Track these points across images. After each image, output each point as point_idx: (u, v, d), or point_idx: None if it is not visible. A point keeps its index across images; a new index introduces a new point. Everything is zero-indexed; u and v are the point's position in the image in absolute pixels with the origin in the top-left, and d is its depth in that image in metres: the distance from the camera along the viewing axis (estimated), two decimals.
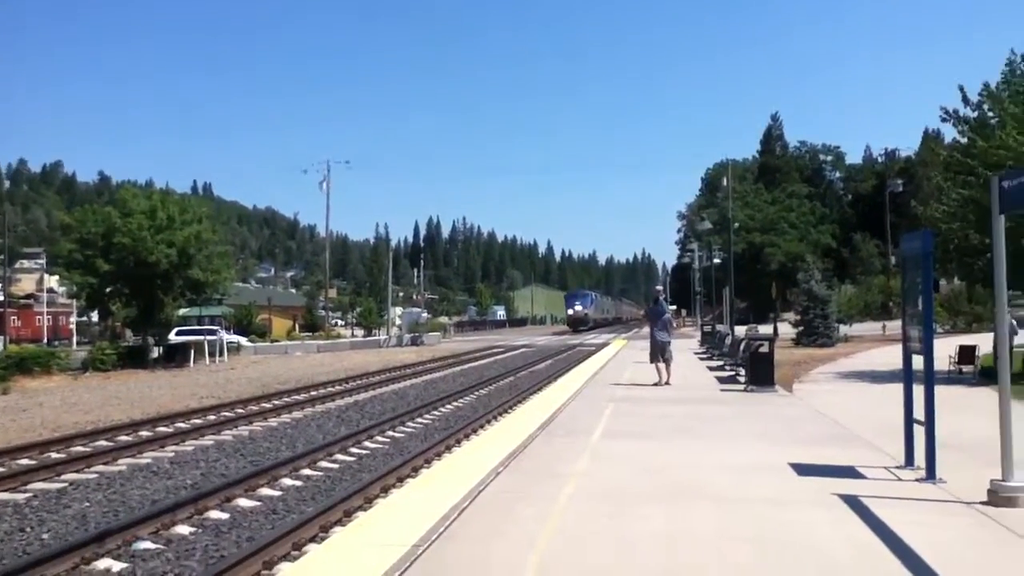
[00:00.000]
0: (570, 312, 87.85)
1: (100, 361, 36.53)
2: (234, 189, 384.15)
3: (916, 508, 6.44)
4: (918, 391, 7.56)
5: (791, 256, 58.86)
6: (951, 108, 21.27)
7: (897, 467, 7.97)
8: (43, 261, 79.23)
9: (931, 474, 7.31)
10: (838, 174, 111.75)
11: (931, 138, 67.10)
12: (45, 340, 58.41)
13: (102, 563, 7.37)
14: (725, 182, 52.37)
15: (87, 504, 9.78)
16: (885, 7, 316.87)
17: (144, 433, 15.75)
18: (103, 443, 14.60)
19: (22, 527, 8.79)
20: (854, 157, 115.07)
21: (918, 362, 7.60)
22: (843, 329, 43.88)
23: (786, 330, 47.49)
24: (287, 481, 10.87)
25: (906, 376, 8.08)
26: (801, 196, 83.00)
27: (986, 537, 5.70)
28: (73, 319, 65.85)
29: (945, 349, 20.50)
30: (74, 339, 61.73)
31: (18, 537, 8.44)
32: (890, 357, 13.14)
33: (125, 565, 7.35)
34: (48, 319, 66.27)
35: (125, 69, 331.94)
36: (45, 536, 8.46)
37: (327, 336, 63.14)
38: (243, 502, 9.66)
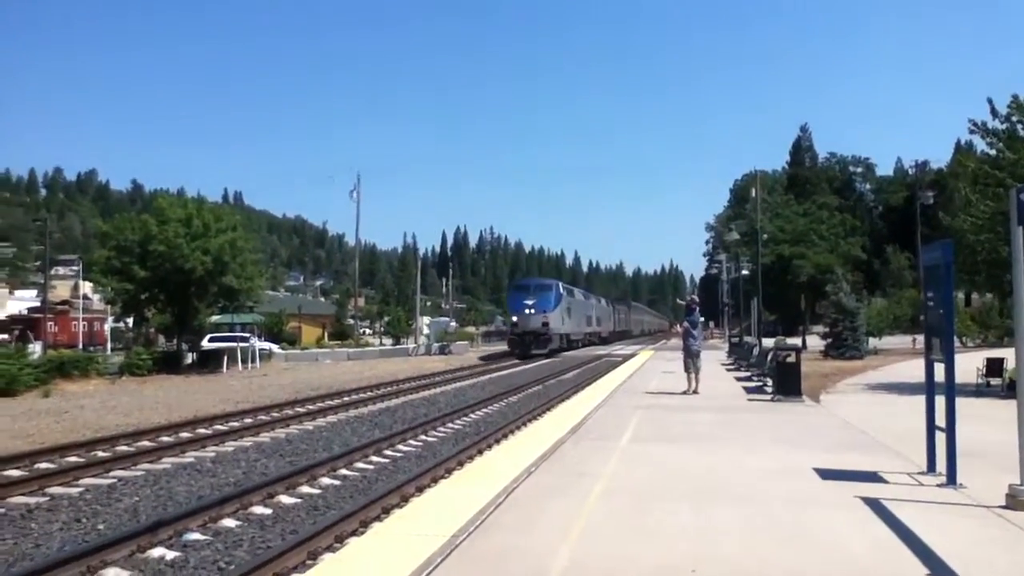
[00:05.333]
0: (515, 319, 49.06)
1: (136, 366, 37.23)
2: (264, 198, 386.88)
3: (935, 510, 6.66)
4: (941, 400, 7.76)
5: (821, 268, 58.51)
6: (980, 120, 21.37)
7: (919, 473, 8.17)
8: (78, 268, 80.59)
9: (952, 479, 7.51)
10: (868, 186, 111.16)
11: (962, 150, 66.70)
12: (81, 346, 59.47)
13: (156, 551, 7.77)
14: (753, 193, 52.27)
15: (136, 499, 10.23)
16: (914, 18, 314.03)
17: (184, 434, 16.23)
18: (146, 443, 15.10)
19: (78, 518, 9.25)
20: (885, 169, 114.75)
21: (941, 372, 7.81)
22: (873, 342, 43.79)
23: (815, 343, 47.48)
24: (326, 480, 11.25)
25: (928, 384, 8.30)
26: (831, 208, 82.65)
27: (1002, 538, 5.91)
28: (108, 325, 66.96)
29: (975, 362, 20.62)
30: (109, 345, 62.78)
31: (76, 527, 8.90)
32: (919, 370, 13.12)
33: (178, 554, 7.76)
34: (84, 325, 67.40)
35: (159, 78, 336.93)
36: (101, 526, 8.91)
37: (356, 344, 63.80)
38: (285, 499, 10.06)
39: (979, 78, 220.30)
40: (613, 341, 75.69)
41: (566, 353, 52.73)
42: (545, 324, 47.73)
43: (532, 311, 47.96)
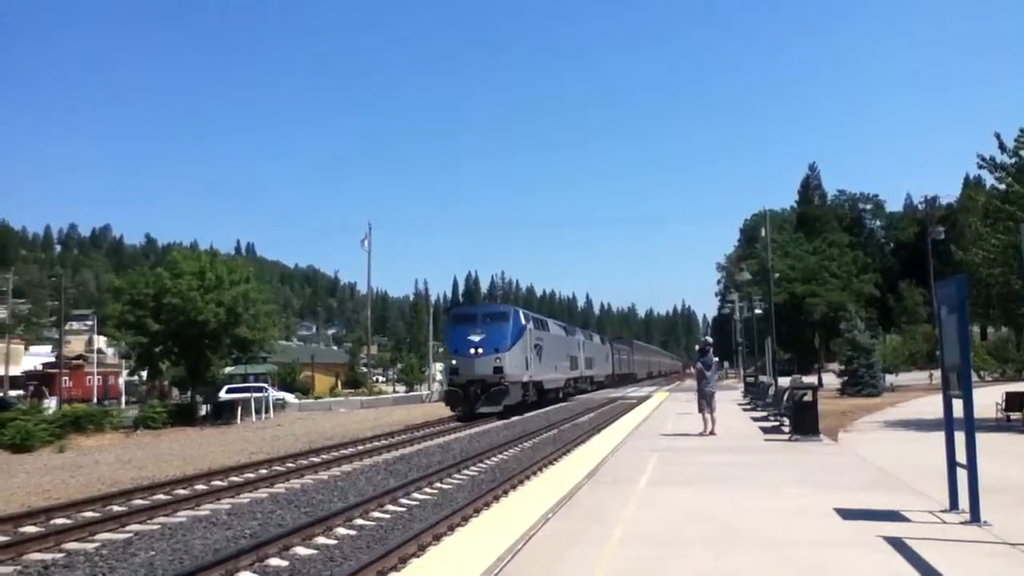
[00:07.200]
0: (454, 361, 35.46)
1: (151, 419, 37.35)
2: (276, 249, 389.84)
3: (959, 549, 6.57)
4: (960, 436, 7.69)
5: (834, 306, 58.33)
6: (988, 155, 21.43)
7: (942, 511, 8.06)
8: (92, 323, 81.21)
9: (975, 516, 7.41)
10: (878, 222, 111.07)
11: (971, 184, 66.80)
12: (95, 400, 59.74)
13: None
14: (763, 232, 52.38)
15: (153, 553, 10.18)
16: (920, 54, 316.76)
17: (200, 487, 16.19)
18: (162, 496, 15.06)
19: (95, 574, 9.22)
20: (895, 205, 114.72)
21: (960, 407, 7.74)
22: (889, 378, 43.46)
23: (831, 380, 47.13)
24: (342, 530, 11.18)
25: (947, 420, 8.22)
26: (842, 245, 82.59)
27: None
28: (122, 379, 67.24)
29: (993, 396, 20.44)
30: (123, 398, 63.00)
31: None
32: (936, 406, 12.93)
33: None
34: (98, 379, 67.76)
35: (172, 133, 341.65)
36: None
37: (370, 392, 63.82)
38: (301, 550, 10.00)
39: (986, 113, 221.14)
40: (611, 387, 64.78)
41: (583, 396, 50.26)
42: (498, 369, 33.90)
43: (479, 350, 34.29)
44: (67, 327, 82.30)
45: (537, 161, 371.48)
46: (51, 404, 43.87)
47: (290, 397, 55.26)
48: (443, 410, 44.40)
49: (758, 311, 56.58)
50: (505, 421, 31.96)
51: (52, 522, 12.80)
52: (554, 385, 43.32)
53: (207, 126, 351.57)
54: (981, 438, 7.62)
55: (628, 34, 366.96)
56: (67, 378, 62.50)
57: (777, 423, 19.40)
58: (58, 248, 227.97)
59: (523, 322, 37.28)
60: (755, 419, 22.17)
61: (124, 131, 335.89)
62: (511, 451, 21.19)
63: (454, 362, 35.21)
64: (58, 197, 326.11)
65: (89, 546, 10.74)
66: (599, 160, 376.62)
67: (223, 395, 46.20)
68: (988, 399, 19.53)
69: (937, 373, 12.94)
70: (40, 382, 59.20)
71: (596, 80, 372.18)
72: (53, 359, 68.39)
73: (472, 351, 34.24)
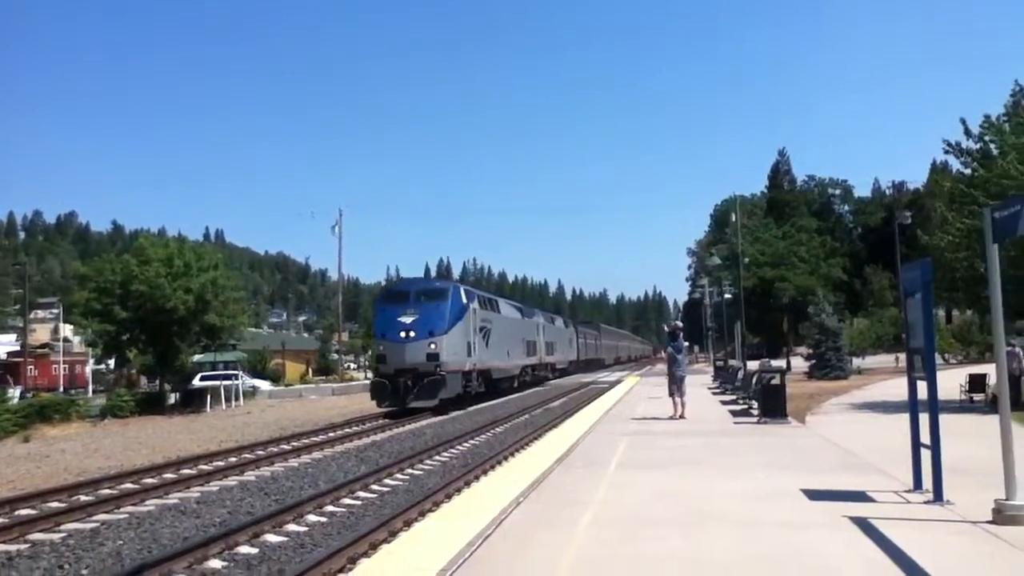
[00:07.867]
0: (381, 348, 30.28)
1: (118, 408, 36.94)
2: (246, 235, 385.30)
3: (923, 528, 6.67)
4: (925, 417, 7.80)
5: (802, 290, 59.06)
6: (953, 140, 21.73)
7: (906, 491, 8.18)
8: (58, 311, 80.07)
9: (939, 496, 7.53)
10: (847, 207, 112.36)
11: (938, 169, 67.63)
12: (61, 389, 59.02)
13: None
14: (733, 218, 52.78)
15: (120, 542, 10.06)
16: (887, 40, 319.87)
17: (168, 476, 16.03)
18: (129, 486, 14.90)
19: (60, 564, 9.08)
20: (863, 190, 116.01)
21: (924, 389, 7.86)
22: (856, 362, 44.07)
23: (799, 364, 47.64)
24: (312, 517, 11.13)
25: (911, 402, 8.35)
26: (810, 230, 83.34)
27: (990, 552, 5.93)
28: (89, 367, 66.42)
29: (958, 379, 20.79)
30: (90, 387, 62.22)
31: (58, 573, 8.74)
32: (902, 389, 12.98)
33: None
34: (64, 368, 66.91)
35: (138, 118, 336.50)
36: (84, 572, 8.75)
37: (341, 379, 63.49)
38: (271, 537, 9.94)
39: (953, 99, 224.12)
40: (576, 374, 61.00)
41: (555, 381, 49.83)
42: (433, 356, 28.91)
43: (411, 334, 29.12)
44: (32, 315, 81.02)
45: (511, 152, 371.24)
46: (15, 393, 43.22)
47: (264, 384, 54.86)
48: None
49: (728, 296, 57.11)
50: (480, 405, 31.55)
51: (16, 513, 12.60)
52: (506, 374, 39.26)
53: (177, 112, 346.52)
54: (945, 419, 7.75)
55: (597, 28, 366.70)
56: (32, 367, 61.68)
57: (746, 406, 19.59)
58: (22, 235, 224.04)
59: (464, 301, 32.19)
60: (724, 403, 22.38)
61: (90, 118, 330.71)
62: (483, 436, 21.22)
63: (381, 348, 30.34)
64: (22, 183, 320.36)
65: (55, 536, 10.58)
66: (570, 148, 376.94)
67: (197, 383, 45.76)
68: (952, 381, 19.88)
69: (903, 356, 13.12)
70: (4, 371, 58.37)
71: (564, 70, 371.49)
72: (18, 348, 67.40)
73: (402, 335, 29.25)
